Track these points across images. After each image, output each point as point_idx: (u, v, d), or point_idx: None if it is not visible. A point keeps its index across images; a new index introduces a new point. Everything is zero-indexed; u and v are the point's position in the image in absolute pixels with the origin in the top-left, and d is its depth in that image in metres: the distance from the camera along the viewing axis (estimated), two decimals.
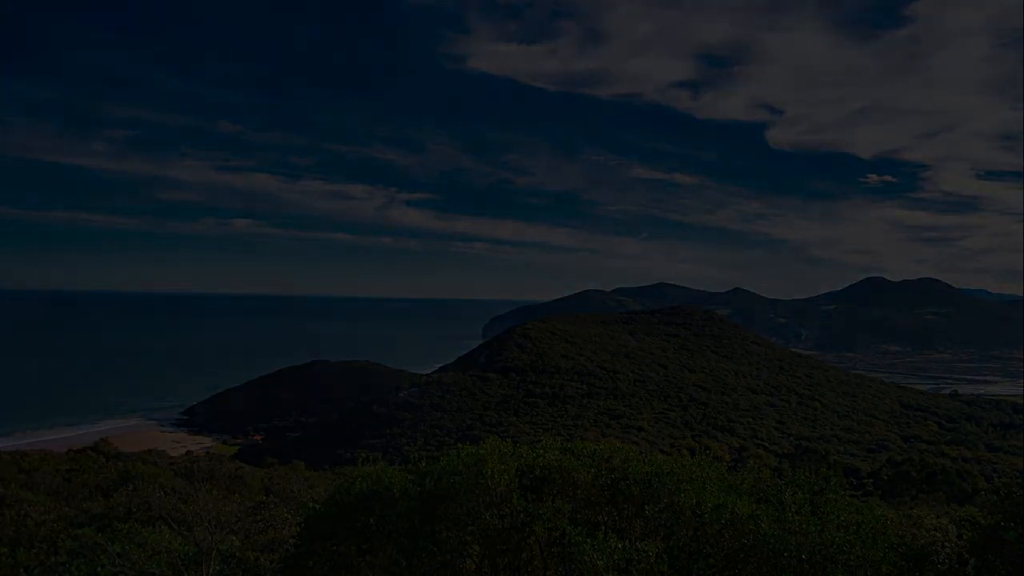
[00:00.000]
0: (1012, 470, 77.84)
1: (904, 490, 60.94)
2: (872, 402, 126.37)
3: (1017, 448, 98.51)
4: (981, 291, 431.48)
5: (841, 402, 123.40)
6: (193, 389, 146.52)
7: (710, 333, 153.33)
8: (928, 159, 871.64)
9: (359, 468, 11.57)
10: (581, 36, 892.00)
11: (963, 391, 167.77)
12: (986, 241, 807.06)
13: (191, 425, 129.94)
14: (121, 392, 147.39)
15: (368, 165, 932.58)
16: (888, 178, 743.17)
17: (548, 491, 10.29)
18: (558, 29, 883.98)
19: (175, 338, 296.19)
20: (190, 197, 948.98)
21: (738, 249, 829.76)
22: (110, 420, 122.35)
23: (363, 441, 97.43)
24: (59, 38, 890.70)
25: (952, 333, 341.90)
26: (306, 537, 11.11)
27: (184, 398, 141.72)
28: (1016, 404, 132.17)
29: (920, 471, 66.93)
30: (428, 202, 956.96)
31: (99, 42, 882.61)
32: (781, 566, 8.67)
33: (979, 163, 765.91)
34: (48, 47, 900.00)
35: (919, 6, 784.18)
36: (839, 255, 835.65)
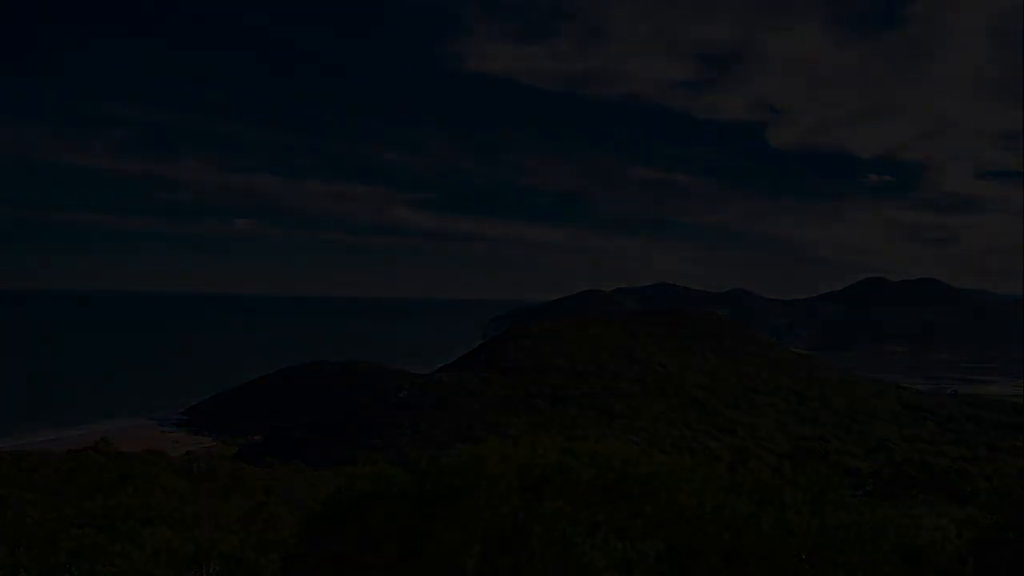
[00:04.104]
0: (1012, 470, 77.87)
1: (904, 490, 61.04)
2: (872, 402, 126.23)
3: (1017, 448, 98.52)
4: (981, 291, 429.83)
5: (841, 402, 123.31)
6: (193, 389, 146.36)
7: (710, 333, 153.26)
8: (928, 159, 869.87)
9: (359, 468, 11.59)
10: (581, 36, 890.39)
11: (963, 391, 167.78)
12: (986, 241, 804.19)
13: (191, 425, 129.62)
14: (121, 392, 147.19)
15: (368, 165, 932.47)
16: (888, 178, 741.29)
17: (548, 491, 10.31)
18: (558, 29, 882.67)
19: (175, 338, 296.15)
20: (190, 197, 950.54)
21: (738, 249, 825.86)
22: (110, 420, 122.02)
23: (363, 441, 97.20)
24: (59, 38, 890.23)
25: (952, 333, 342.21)
26: (306, 537, 11.12)
27: (184, 398, 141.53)
28: (1016, 404, 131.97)
29: (920, 471, 66.99)
30: (428, 202, 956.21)
31: (99, 42, 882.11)
32: (781, 566, 8.68)
33: (979, 163, 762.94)
34: (48, 47, 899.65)
35: (919, 6, 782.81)
36: (839, 255, 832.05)
